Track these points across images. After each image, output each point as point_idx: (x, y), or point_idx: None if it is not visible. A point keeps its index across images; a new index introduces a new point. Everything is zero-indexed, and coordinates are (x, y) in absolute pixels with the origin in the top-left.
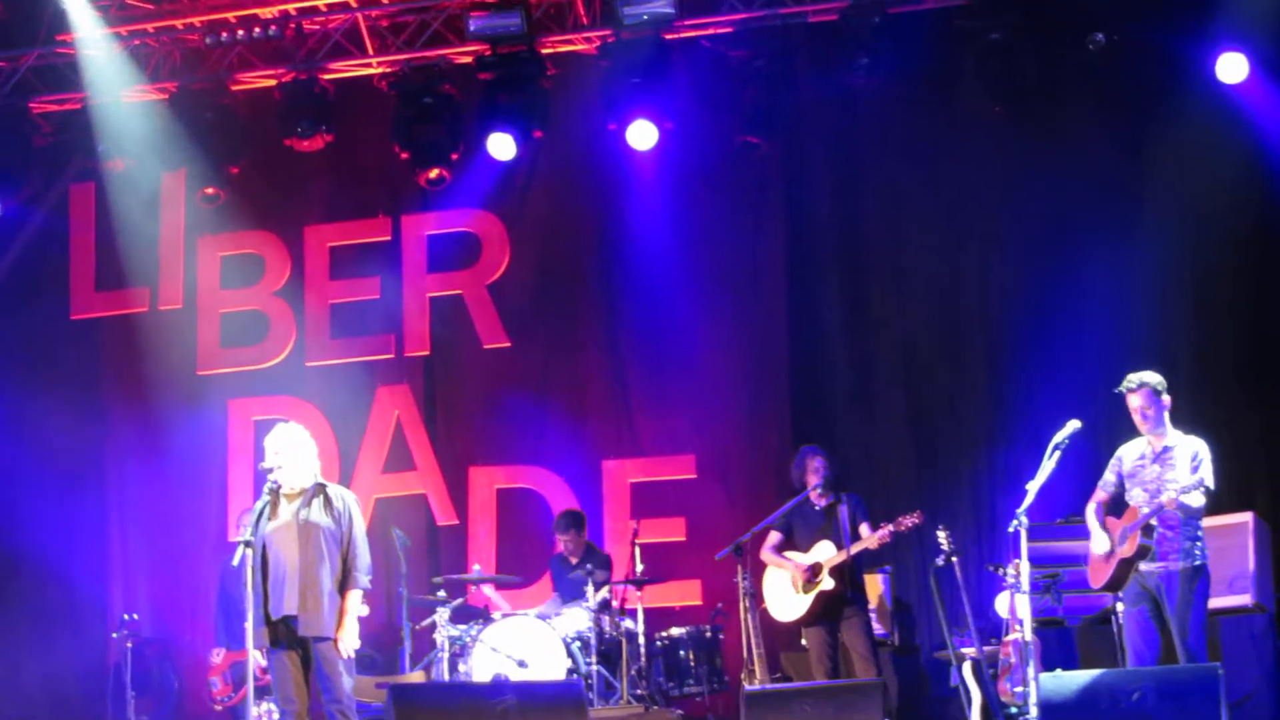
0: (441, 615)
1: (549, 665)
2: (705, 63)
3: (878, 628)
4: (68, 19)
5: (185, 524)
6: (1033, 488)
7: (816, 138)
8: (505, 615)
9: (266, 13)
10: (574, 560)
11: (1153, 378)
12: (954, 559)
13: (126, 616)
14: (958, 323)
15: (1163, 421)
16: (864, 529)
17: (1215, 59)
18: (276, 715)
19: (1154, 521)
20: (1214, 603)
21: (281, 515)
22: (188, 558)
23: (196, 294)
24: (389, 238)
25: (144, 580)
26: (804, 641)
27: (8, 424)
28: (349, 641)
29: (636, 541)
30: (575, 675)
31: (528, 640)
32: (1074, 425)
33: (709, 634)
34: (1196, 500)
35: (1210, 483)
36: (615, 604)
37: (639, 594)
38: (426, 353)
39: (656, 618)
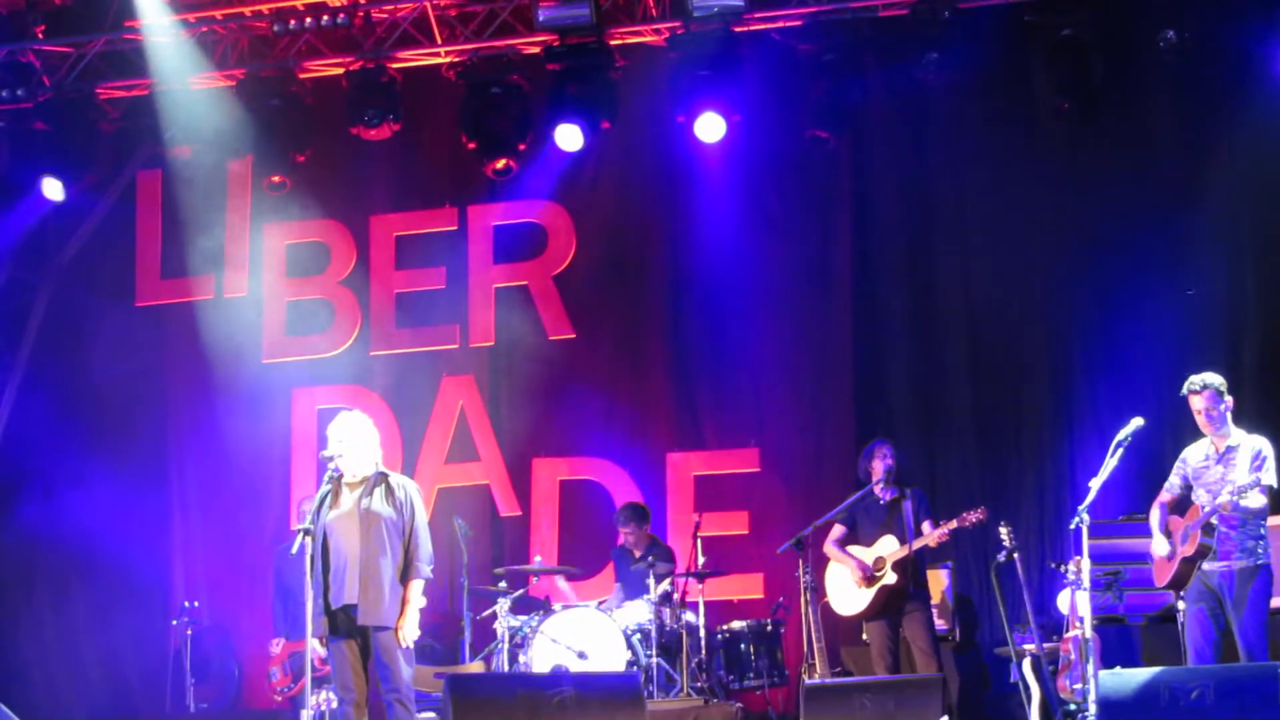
0: (502, 606)
1: (609, 657)
2: (774, 56)
3: (939, 623)
4: (135, 5)
5: (248, 512)
6: (1095, 485)
7: (885, 132)
8: (566, 607)
9: (335, 1)
10: (637, 553)
11: (1215, 379)
12: (1016, 555)
13: (187, 604)
14: (1023, 319)
15: (1226, 422)
16: (926, 526)
17: None
18: (335, 704)
19: (1215, 520)
20: (1276, 602)
21: (343, 504)
22: (250, 546)
23: (262, 282)
24: (455, 227)
25: (205, 568)
26: (865, 636)
27: (72, 411)
28: (409, 631)
29: (699, 534)
30: (635, 667)
31: (588, 632)
32: (1137, 423)
33: (770, 627)
34: (1256, 501)
35: (1272, 480)
36: (677, 596)
37: (700, 587)
38: (491, 343)
39: (718, 611)
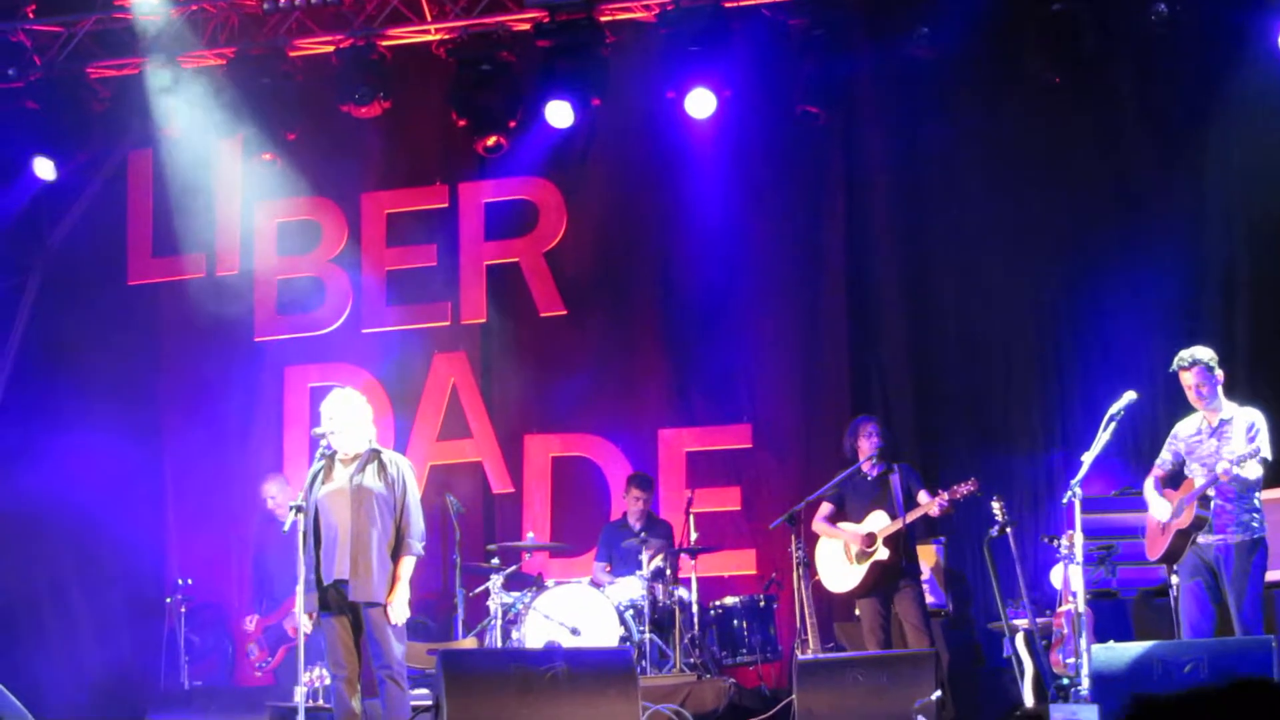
0: (495, 582)
1: (602, 633)
2: (764, 31)
3: (931, 598)
4: None
5: (240, 490)
6: (1088, 459)
7: (876, 108)
8: (559, 583)
9: None
10: (636, 525)
11: (1205, 353)
12: (1008, 530)
13: (181, 581)
14: (1016, 294)
15: (1217, 396)
16: (922, 495)
17: (1278, 31)
18: (327, 680)
19: (1211, 492)
20: (1271, 575)
21: (335, 480)
22: (242, 523)
23: (253, 260)
24: (446, 205)
25: (199, 545)
26: (857, 612)
27: (64, 390)
28: (398, 609)
29: (691, 510)
30: (628, 643)
31: (581, 608)
32: (1130, 397)
33: (762, 603)
34: (1253, 471)
35: (1267, 452)
36: (669, 573)
37: (693, 563)
38: (483, 320)
39: (710, 587)
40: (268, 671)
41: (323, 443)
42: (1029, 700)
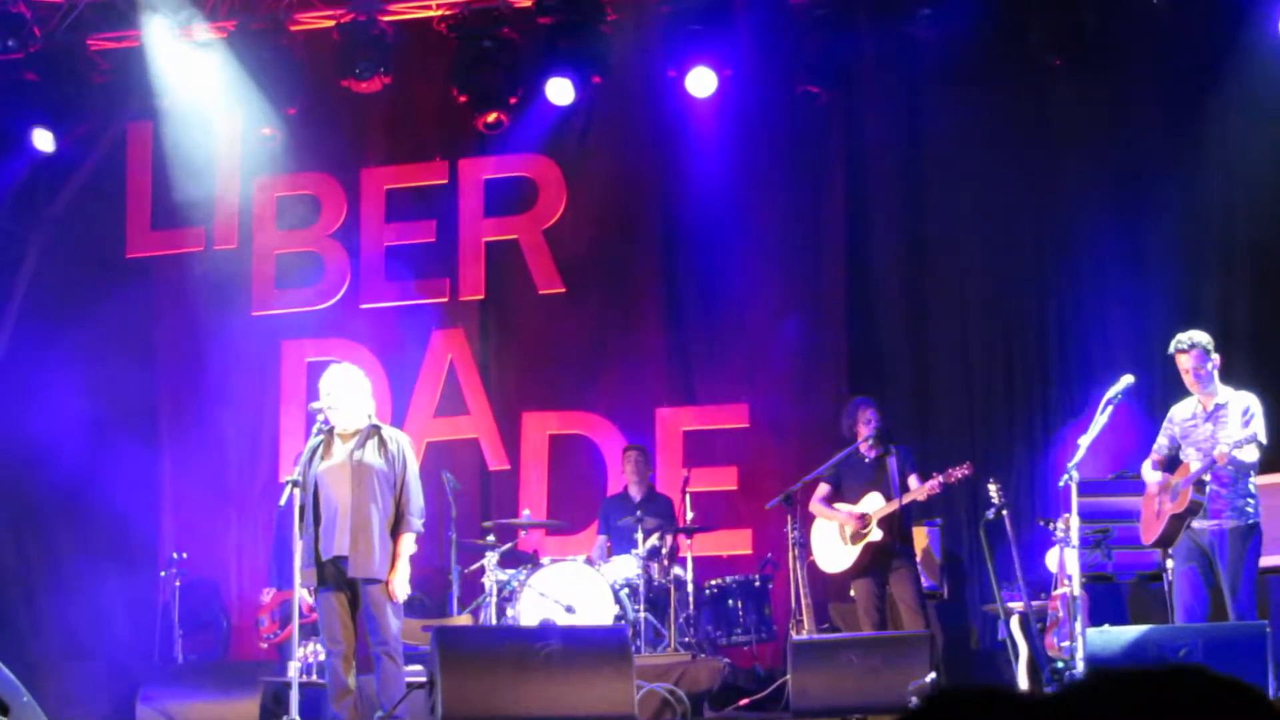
0: (490, 560)
1: (597, 611)
2: (766, 10)
3: (926, 580)
4: None
5: (236, 464)
6: (1084, 442)
7: (877, 88)
8: (555, 560)
9: None
10: (637, 497)
11: (1202, 337)
12: (1004, 512)
13: (176, 555)
14: (1015, 276)
15: (1213, 380)
16: (912, 480)
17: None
18: (323, 656)
19: (1206, 477)
20: (1265, 561)
21: (335, 455)
22: (238, 498)
23: (252, 234)
24: (446, 181)
25: (194, 520)
26: (852, 593)
27: (62, 362)
28: (400, 585)
29: (687, 490)
30: (623, 622)
31: (576, 586)
32: (1127, 380)
33: (758, 583)
34: (1250, 455)
35: (1263, 436)
36: (666, 550)
37: (689, 542)
38: (481, 297)
39: (706, 566)
40: (273, 645)
41: (319, 418)
42: (1023, 683)
